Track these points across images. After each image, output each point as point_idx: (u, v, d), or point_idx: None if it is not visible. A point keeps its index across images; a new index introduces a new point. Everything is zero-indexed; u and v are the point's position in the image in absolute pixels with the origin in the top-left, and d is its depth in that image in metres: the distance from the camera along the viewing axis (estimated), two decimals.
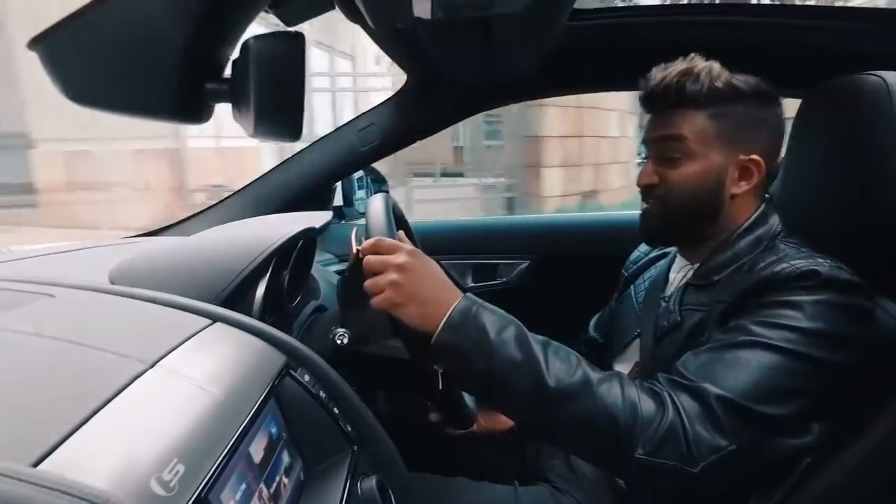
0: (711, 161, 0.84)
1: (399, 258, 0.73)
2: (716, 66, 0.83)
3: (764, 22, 1.07)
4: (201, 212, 1.40)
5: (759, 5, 1.08)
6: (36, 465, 0.36)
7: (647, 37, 1.13)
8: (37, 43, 0.43)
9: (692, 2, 2.42)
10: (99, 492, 0.35)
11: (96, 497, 0.34)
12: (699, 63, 0.83)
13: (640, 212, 0.92)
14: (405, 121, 1.34)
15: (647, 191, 0.90)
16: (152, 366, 0.52)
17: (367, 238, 0.77)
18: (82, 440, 0.40)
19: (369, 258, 0.73)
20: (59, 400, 0.44)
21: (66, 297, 0.67)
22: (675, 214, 0.87)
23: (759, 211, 0.86)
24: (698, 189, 0.84)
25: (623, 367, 0.99)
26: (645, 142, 0.91)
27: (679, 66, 0.84)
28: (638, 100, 0.91)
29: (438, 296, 0.73)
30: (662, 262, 1.03)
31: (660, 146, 0.87)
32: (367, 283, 0.73)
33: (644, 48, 0.90)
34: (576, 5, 0.99)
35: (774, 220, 0.86)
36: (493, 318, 0.72)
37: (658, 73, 0.85)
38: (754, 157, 0.84)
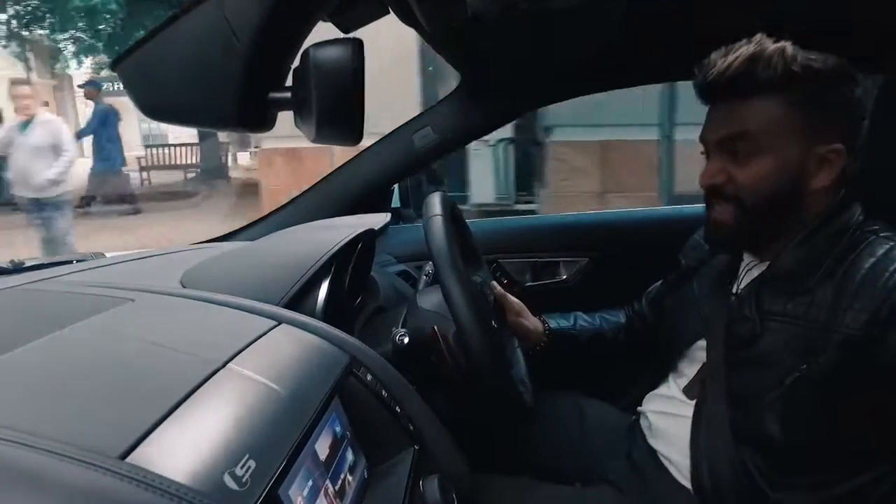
0: (787, 155, 0.76)
1: None
2: (789, 46, 0.74)
3: None
4: (264, 217, 1.45)
5: None
6: (122, 458, 0.38)
7: (709, 23, 1.08)
8: (116, 65, 0.46)
9: None
10: (178, 486, 0.36)
11: (176, 491, 0.36)
12: (768, 45, 0.74)
13: (702, 212, 0.85)
14: (460, 121, 1.34)
15: (713, 192, 0.81)
16: (223, 366, 0.55)
17: (430, 254, 0.79)
18: (161, 436, 0.42)
19: None
20: (140, 398, 0.46)
21: (145, 302, 0.71)
22: (749, 219, 0.79)
23: (837, 200, 0.79)
24: (775, 188, 0.77)
25: (689, 367, 0.95)
26: (703, 139, 0.83)
27: (745, 48, 0.75)
28: (695, 90, 0.82)
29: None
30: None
31: (723, 143, 0.79)
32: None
33: (707, 35, 0.85)
34: None
35: (855, 210, 0.78)
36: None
37: (719, 59, 0.76)
38: (836, 146, 0.76)
